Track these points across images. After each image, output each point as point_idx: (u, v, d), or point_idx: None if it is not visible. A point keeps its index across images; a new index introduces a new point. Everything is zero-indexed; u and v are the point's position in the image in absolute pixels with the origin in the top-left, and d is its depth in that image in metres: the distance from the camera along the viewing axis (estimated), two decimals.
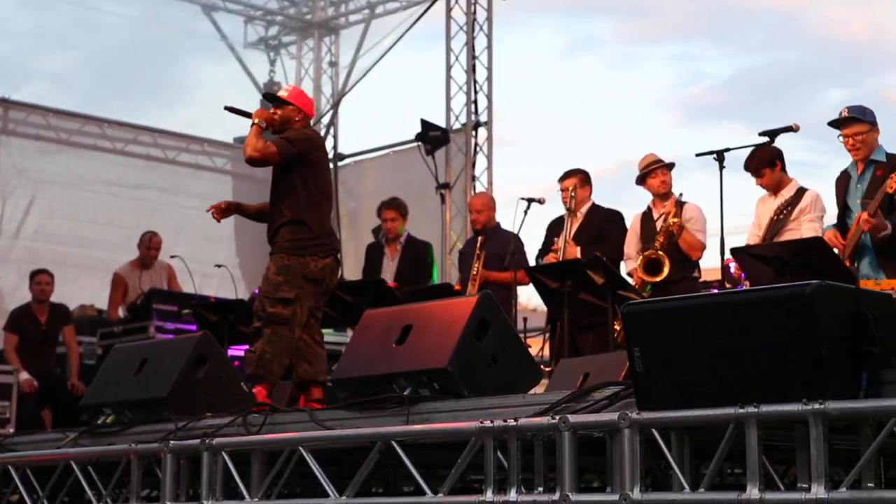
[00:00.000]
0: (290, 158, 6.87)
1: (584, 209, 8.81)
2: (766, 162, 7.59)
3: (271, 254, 6.97)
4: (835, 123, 7.15)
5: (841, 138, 7.13)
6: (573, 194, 8.74)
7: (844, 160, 7.30)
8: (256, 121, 6.85)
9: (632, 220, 8.67)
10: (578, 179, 8.85)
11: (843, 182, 7.24)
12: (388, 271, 10.01)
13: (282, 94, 7.25)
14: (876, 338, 3.92)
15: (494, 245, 9.48)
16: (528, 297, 14.57)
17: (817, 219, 7.43)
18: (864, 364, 3.92)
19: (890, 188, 6.68)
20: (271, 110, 7.08)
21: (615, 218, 8.84)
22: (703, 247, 8.25)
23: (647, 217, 8.52)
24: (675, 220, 8.15)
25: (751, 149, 7.52)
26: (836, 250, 6.88)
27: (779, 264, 6.41)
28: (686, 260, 8.25)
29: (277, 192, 6.99)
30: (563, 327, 7.94)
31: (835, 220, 7.32)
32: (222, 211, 7.15)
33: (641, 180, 8.48)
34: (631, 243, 8.54)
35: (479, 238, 9.61)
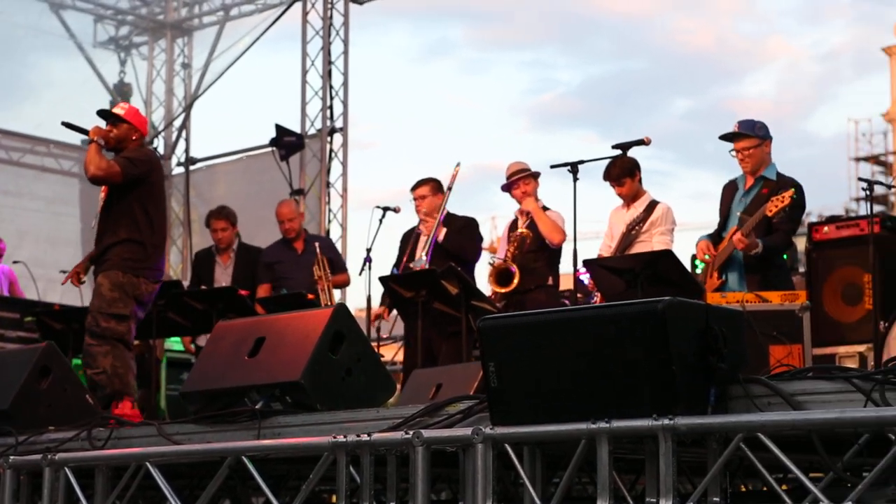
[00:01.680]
0: (132, 179, 6.93)
1: (438, 217, 8.81)
2: (627, 171, 7.72)
3: (102, 270, 6.96)
4: (726, 137, 7.32)
5: (732, 152, 7.31)
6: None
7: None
8: (95, 139, 6.89)
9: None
10: (430, 188, 8.86)
11: (729, 191, 7.40)
12: (223, 280, 9.90)
13: (117, 111, 7.23)
14: (724, 354, 3.99)
15: (324, 250, 9.60)
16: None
17: (668, 231, 7.58)
18: (713, 380, 3.99)
19: (769, 211, 6.85)
20: (107, 127, 7.07)
21: (470, 225, 8.86)
22: (563, 233, 8.24)
23: (513, 226, 8.58)
24: (525, 230, 8.22)
25: (604, 161, 7.62)
26: (707, 258, 7.04)
27: (630, 276, 6.51)
28: (541, 269, 8.31)
29: (111, 210, 7.01)
30: (416, 337, 7.93)
31: (713, 229, 7.44)
32: (78, 275, 7.12)
33: (507, 188, 8.52)
34: (502, 250, 8.57)
35: (315, 244, 9.65)
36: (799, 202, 6.98)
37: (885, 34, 40.05)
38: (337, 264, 9.90)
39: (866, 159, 34.06)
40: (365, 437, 4.48)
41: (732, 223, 7.14)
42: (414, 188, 8.94)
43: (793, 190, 6.95)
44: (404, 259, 8.70)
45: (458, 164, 8.53)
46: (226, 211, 10.18)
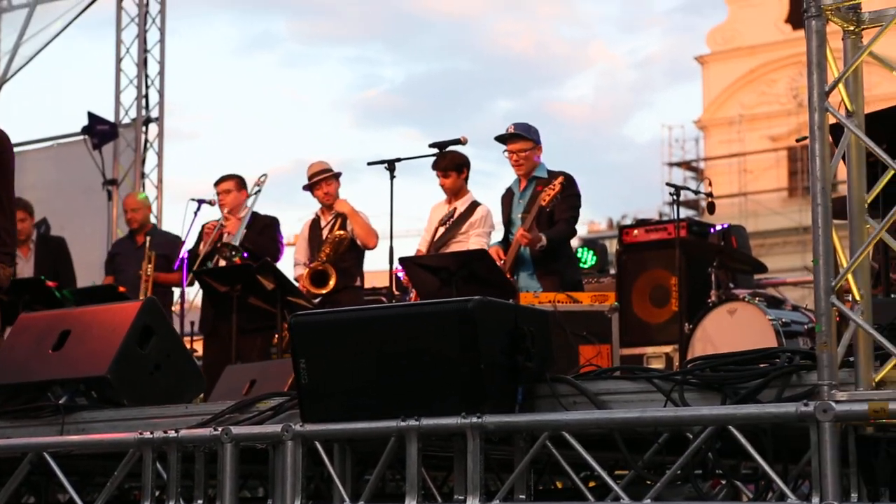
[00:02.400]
0: None
1: (241, 215, 8.67)
2: (455, 165, 7.76)
3: None
4: (500, 139, 7.38)
5: (506, 153, 7.37)
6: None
7: (508, 167, 7.53)
8: None
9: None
10: (234, 184, 8.78)
11: (507, 199, 7.49)
12: (25, 272, 9.57)
13: None
14: (532, 353, 4.06)
15: (159, 246, 9.32)
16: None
17: (485, 234, 7.66)
18: (521, 379, 4.05)
19: (543, 201, 6.96)
20: None
21: (271, 225, 8.78)
22: (377, 236, 8.28)
23: (315, 225, 8.55)
24: (343, 232, 8.21)
25: (421, 159, 7.65)
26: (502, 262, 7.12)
27: (445, 275, 6.56)
28: (350, 269, 8.31)
29: None
30: (229, 331, 7.84)
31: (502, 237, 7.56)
32: None
33: (309, 188, 8.49)
34: (301, 250, 8.54)
35: (147, 238, 9.40)
36: (571, 190, 7.11)
37: (699, 44, 41.43)
38: (172, 263, 9.51)
39: (679, 165, 35.07)
40: (172, 434, 4.41)
41: (516, 226, 7.27)
42: (217, 183, 8.84)
43: (562, 177, 7.08)
44: (199, 250, 8.59)
45: (264, 175, 8.56)
46: (22, 202, 9.83)
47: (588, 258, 9.78)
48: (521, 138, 7.33)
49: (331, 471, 4.17)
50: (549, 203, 7.00)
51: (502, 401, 4.01)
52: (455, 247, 7.49)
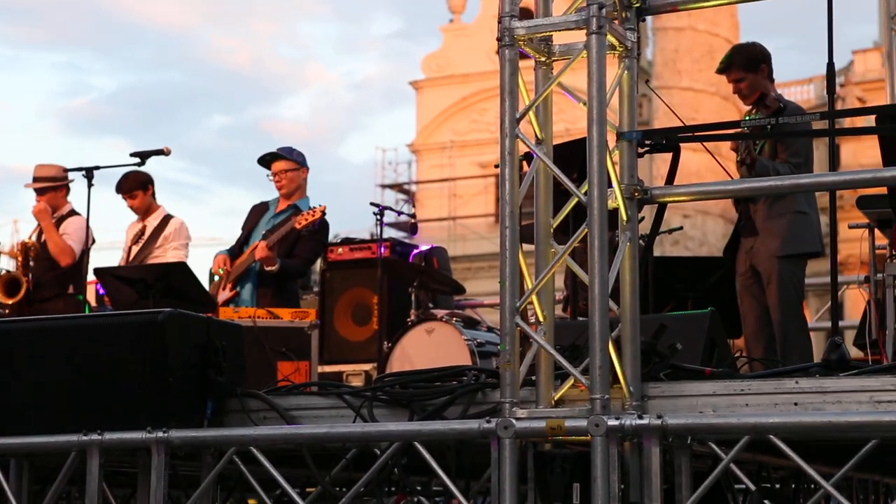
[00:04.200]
0: None
1: None
2: (139, 184, 7.57)
3: None
4: (263, 159, 7.28)
5: (270, 176, 7.24)
6: None
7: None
8: None
9: None
10: None
11: (259, 211, 7.35)
12: None
13: None
14: (223, 368, 4.01)
15: None
16: None
17: (182, 246, 7.51)
18: (211, 393, 3.99)
19: (298, 224, 6.88)
20: None
21: None
22: (72, 252, 7.93)
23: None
24: (30, 240, 7.87)
25: (124, 168, 7.43)
26: (221, 271, 7.01)
27: (142, 287, 6.39)
28: (58, 277, 7.95)
29: None
30: None
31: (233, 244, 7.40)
32: None
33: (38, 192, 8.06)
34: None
35: None
36: (323, 233, 7.12)
37: (414, 69, 42.11)
38: None
39: (392, 187, 35.58)
40: None
41: (256, 240, 7.19)
42: None
43: (325, 206, 7.08)
44: None
45: None
46: None
47: None
48: (283, 159, 7.24)
49: (5, 487, 3.98)
50: (304, 227, 6.95)
51: (191, 415, 3.94)
52: (153, 260, 7.32)
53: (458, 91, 36.04)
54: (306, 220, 6.92)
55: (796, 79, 33.68)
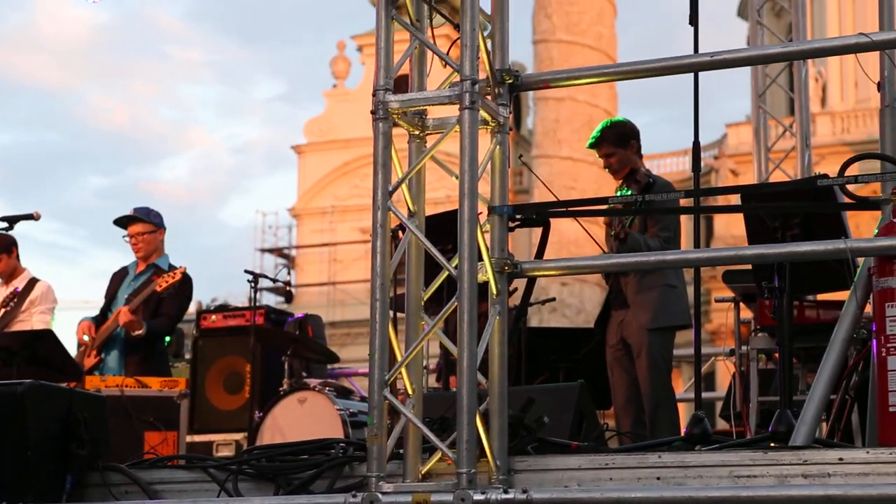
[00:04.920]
0: None
1: None
2: (2, 248, 7.41)
3: None
4: (119, 221, 7.19)
5: (126, 238, 7.14)
6: None
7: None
8: None
9: None
10: None
11: (119, 276, 7.25)
12: None
13: None
14: (85, 440, 3.92)
15: None
16: None
17: (48, 311, 7.35)
18: (71, 467, 3.90)
19: (159, 286, 6.80)
20: None
21: None
22: None
23: None
24: None
25: None
26: (86, 338, 6.87)
27: (6, 355, 6.23)
28: None
29: None
30: None
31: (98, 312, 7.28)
32: None
33: None
34: None
35: None
36: (186, 289, 7.05)
37: (296, 134, 42.12)
38: None
39: (271, 251, 35.39)
40: None
41: (118, 305, 7.08)
42: None
43: (184, 269, 7.01)
44: None
45: None
46: None
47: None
48: (140, 221, 7.16)
49: None
50: (165, 290, 6.85)
51: (49, 490, 3.84)
52: (19, 327, 7.15)
53: (341, 156, 36.13)
54: (167, 282, 6.86)
55: (671, 150, 34.58)
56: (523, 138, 35.44)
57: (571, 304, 28.19)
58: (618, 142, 6.01)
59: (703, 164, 34.68)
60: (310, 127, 37.60)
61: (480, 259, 3.94)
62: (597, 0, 29.22)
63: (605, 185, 28.45)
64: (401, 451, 3.84)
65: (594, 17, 29.09)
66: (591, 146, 6.11)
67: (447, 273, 3.97)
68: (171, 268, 7.09)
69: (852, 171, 3.85)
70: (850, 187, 3.95)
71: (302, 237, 36.32)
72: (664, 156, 34.41)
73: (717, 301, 6.73)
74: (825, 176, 3.99)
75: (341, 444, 4.02)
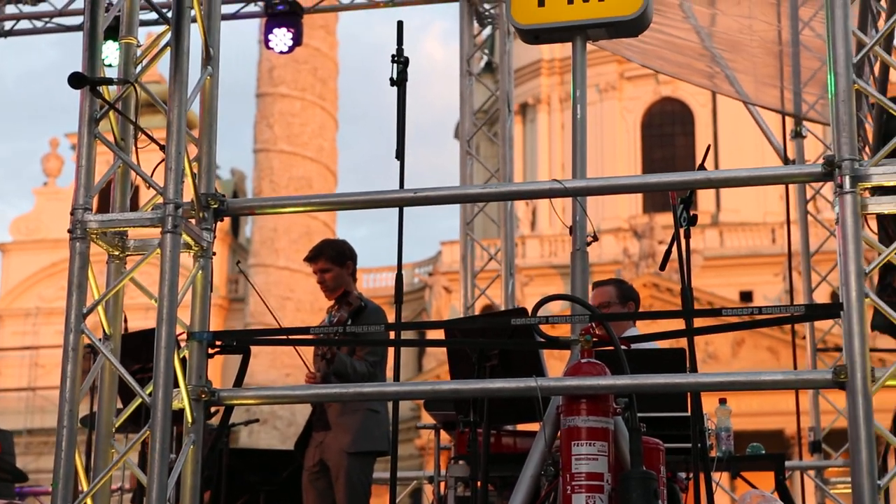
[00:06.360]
0: None
1: None
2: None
3: None
4: None
5: None
6: None
7: None
8: None
9: None
10: None
11: None
12: None
13: None
14: None
15: None
16: None
17: None
18: None
19: None
20: None
21: None
22: None
23: None
24: None
25: None
26: None
27: None
28: None
29: None
30: None
31: None
32: None
33: None
34: None
35: None
36: None
37: (2, 232, 40.42)
38: None
39: None
40: None
41: None
42: None
43: None
44: None
45: None
46: None
47: None
48: None
49: None
50: None
51: None
52: None
53: (48, 256, 34.87)
54: None
55: (388, 265, 35.05)
56: (241, 246, 35.20)
57: (283, 415, 27.93)
58: (336, 259, 6.05)
59: (417, 279, 35.35)
60: (16, 225, 36.21)
61: (176, 386, 3.85)
62: (318, 114, 29.57)
63: (320, 296, 28.34)
64: None
65: (315, 129, 29.40)
66: (309, 260, 6.11)
67: (139, 400, 3.86)
68: None
69: (545, 311, 3.99)
70: (543, 327, 4.08)
71: (2, 339, 34.68)
72: (381, 270, 34.85)
73: (418, 428, 6.79)
74: (523, 311, 4.11)
75: None
